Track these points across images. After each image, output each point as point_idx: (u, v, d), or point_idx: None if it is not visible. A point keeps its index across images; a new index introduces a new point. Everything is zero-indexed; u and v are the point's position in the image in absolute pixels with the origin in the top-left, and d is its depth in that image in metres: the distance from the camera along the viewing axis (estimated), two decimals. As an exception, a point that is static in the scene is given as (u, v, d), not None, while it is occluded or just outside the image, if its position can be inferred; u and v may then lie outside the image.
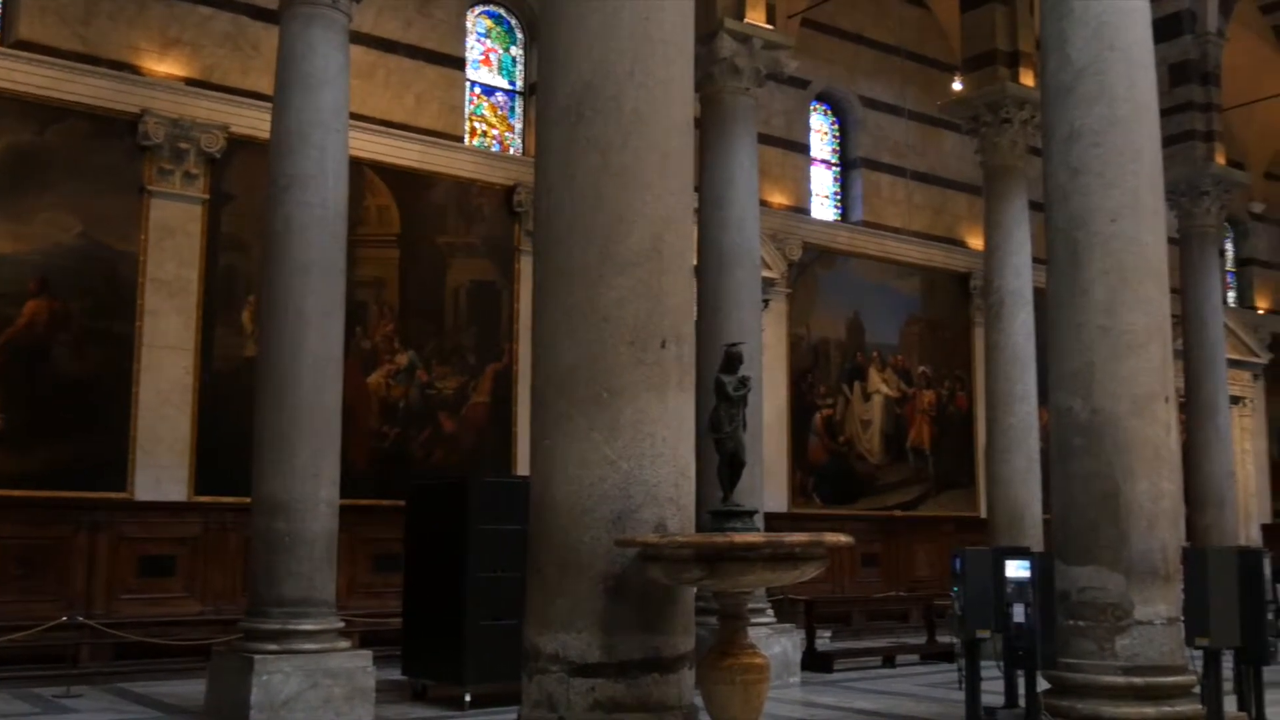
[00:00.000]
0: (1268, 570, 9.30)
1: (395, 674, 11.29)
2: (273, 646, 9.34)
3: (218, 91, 13.89)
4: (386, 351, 14.60)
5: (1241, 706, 9.26)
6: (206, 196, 13.70)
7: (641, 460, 5.86)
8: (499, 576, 10.26)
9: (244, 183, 13.67)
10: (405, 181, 14.93)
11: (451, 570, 10.65)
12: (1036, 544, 13.70)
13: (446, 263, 15.19)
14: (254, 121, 13.18)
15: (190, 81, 13.78)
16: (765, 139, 16.77)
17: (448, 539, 10.78)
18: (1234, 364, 22.44)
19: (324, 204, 9.93)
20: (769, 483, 15.45)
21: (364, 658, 9.77)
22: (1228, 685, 8.99)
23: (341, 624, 9.91)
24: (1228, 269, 25.44)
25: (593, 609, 5.80)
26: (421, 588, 11.21)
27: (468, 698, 10.41)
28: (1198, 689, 8.32)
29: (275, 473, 9.63)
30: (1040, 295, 9.67)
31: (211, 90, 13.86)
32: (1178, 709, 8.00)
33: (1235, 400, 22.99)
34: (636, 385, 5.90)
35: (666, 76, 6.24)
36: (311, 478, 9.64)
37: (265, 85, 11.64)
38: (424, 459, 14.66)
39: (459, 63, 15.95)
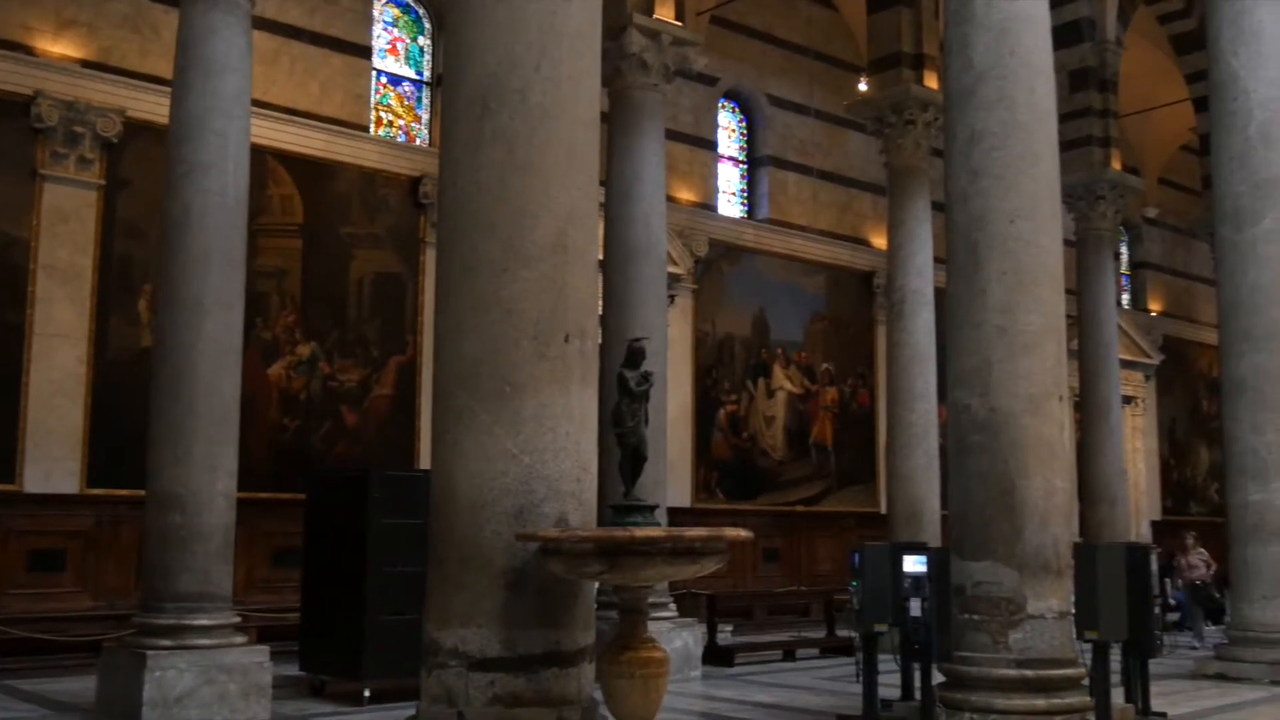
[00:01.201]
0: (1155, 566, 9.55)
1: (294, 670, 11.14)
2: (167, 642, 9.16)
3: (115, 75, 13.57)
4: (288, 342, 14.39)
5: (1128, 698, 9.50)
6: (102, 182, 13.38)
7: (544, 455, 5.86)
8: (400, 571, 10.16)
9: (141, 169, 13.37)
10: (309, 170, 14.72)
11: (352, 565, 10.53)
12: (935, 539, 13.93)
13: (350, 254, 15.01)
14: (153, 106, 12.90)
15: (86, 63, 13.45)
16: (673, 135, 16.80)
17: (348, 533, 10.65)
18: (1127, 364, 23.02)
19: (224, 192, 9.75)
20: (673, 478, 15.52)
21: (261, 653, 9.62)
22: (1116, 678, 9.22)
23: (238, 619, 9.75)
24: (1122, 272, 26.07)
25: (493, 603, 5.79)
26: (321, 582, 11.08)
27: (367, 693, 10.31)
28: (1087, 681, 8.52)
29: (171, 465, 9.44)
30: (941, 294, 9.82)
31: (108, 73, 13.54)
32: (1067, 701, 8.19)
33: (1128, 400, 23.60)
34: (539, 380, 5.89)
35: (574, 71, 6.24)
36: (208, 470, 9.46)
37: (165, 69, 11.39)
38: (325, 452, 14.49)
39: (365, 51, 15.77)
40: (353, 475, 11.44)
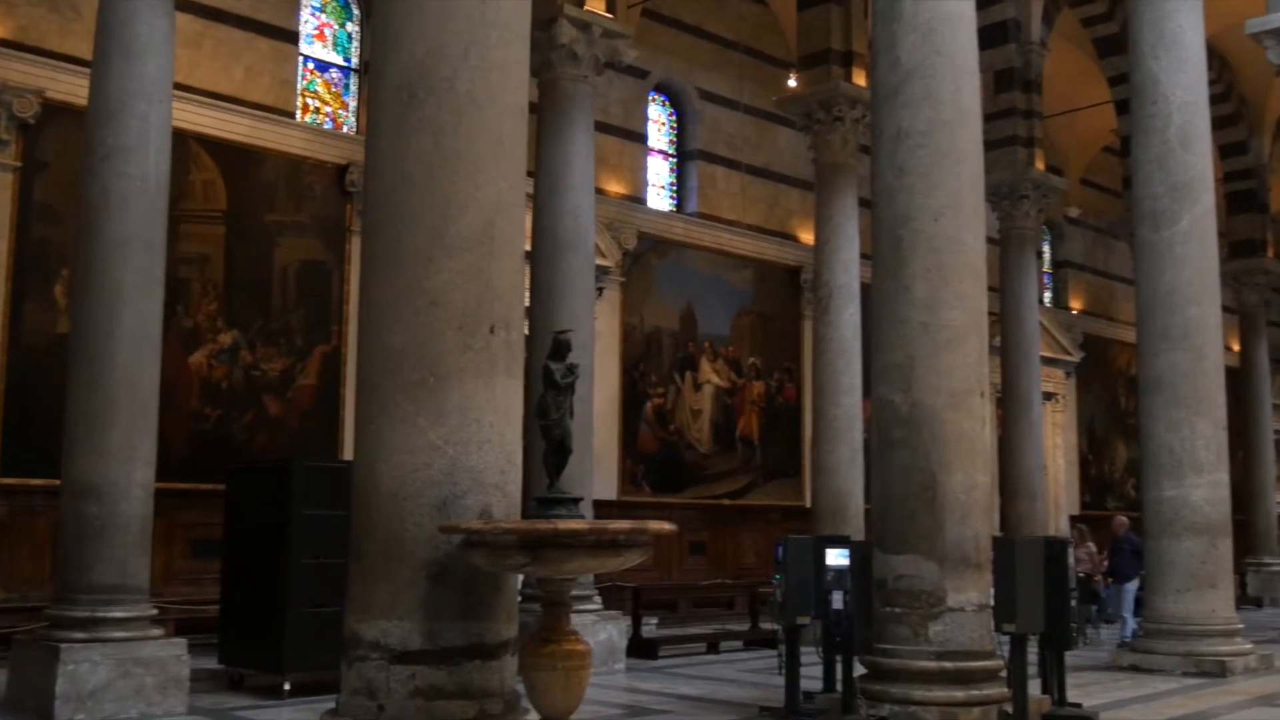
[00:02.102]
0: (1071, 559, 9.71)
1: (212, 663, 10.99)
2: (80, 635, 8.98)
3: (33, 54, 13.27)
4: (209, 330, 14.17)
5: (1045, 690, 9.65)
6: (18, 164, 13.08)
7: (468, 446, 5.82)
8: (322, 563, 10.06)
9: (59, 151, 13.09)
10: (233, 156, 14.50)
11: (272, 556, 10.42)
12: (858, 533, 14.05)
13: (275, 241, 14.82)
14: (72, 87, 12.62)
15: (3, 42, 13.14)
16: (603, 127, 16.78)
17: (269, 524, 10.53)
18: (1048, 361, 23.38)
19: (144, 176, 9.57)
20: (599, 470, 15.51)
21: (178, 646, 9.47)
22: (1033, 669, 9.36)
23: (155, 611, 9.59)
24: (1044, 270, 26.46)
25: (415, 595, 5.75)
26: (241, 574, 10.94)
27: (286, 686, 10.20)
28: (1004, 673, 8.64)
29: (87, 454, 9.25)
30: (868, 290, 9.90)
31: (26, 52, 13.23)
32: (985, 692, 8.31)
33: (1048, 396, 23.97)
34: (464, 371, 5.86)
35: (502, 60, 6.20)
36: (126, 459, 9.30)
37: (85, 50, 11.15)
38: (247, 442, 14.30)
39: (292, 36, 15.56)
40: (274, 466, 11.31)
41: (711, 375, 19.38)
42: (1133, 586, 16.23)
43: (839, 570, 9.27)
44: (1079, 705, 9.76)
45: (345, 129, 16.16)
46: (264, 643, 10.39)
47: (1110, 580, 16.41)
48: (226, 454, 13.60)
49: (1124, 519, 17.73)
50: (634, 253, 18.37)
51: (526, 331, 9.74)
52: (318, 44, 16.18)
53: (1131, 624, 15.55)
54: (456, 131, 6.01)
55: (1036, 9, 19.99)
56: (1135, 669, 12.32)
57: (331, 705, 6.04)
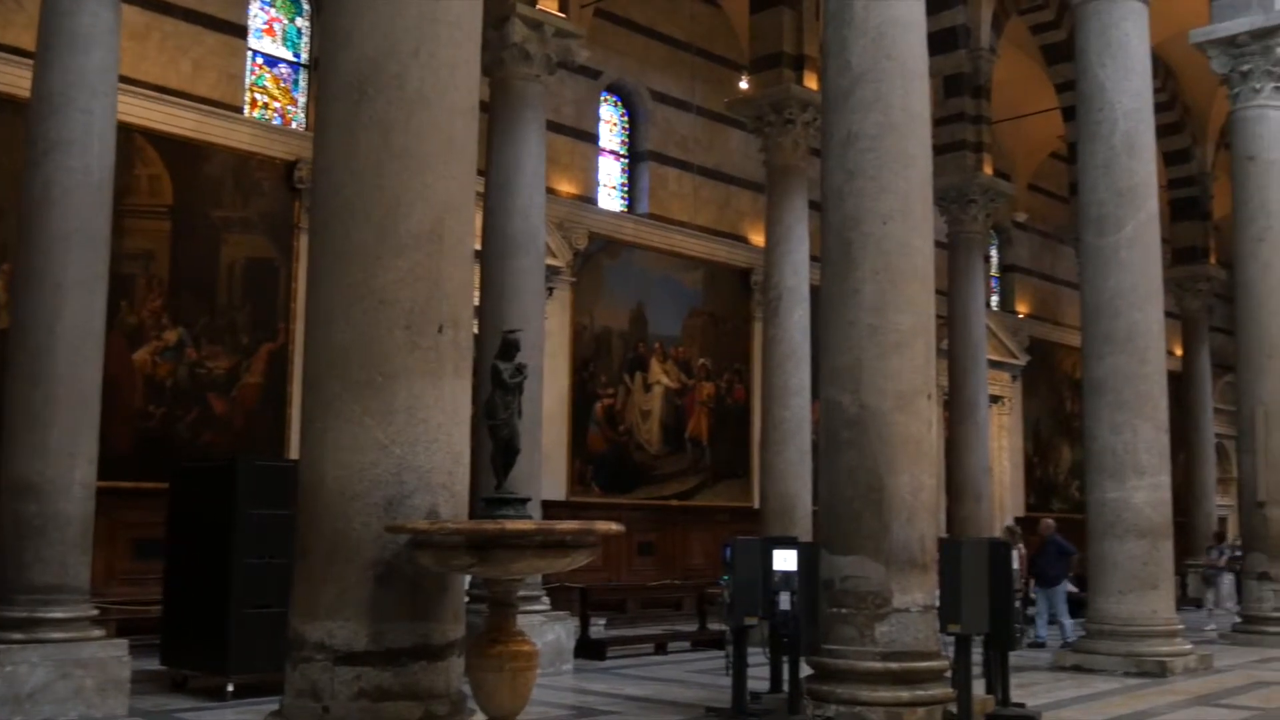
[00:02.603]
0: (1016, 561, 9.80)
1: (154, 664, 10.86)
2: (18, 635, 8.84)
3: (-25, 46, 13.06)
4: (154, 327, 13.99)
5: (989, 690, 9.74)
6: (-41, 157, 12.86)
7: (415, 446, 5.79)
8: (267, 563, 9.97)
9: (1, 143, 12.86)
10: (179, 151, 14.32)
11: (217, 556, 10.30)
12: (806, 534, 14.11)
13: (221, 237, 14.66)
14: (13, 79, 12.42)
15: (-56, 33, 12.93)
16: (554, 127, 16.74)
17: (214, 524, 10.41)
18: (994, 365, 23.60)
19: (88, 170, 9.43)
20: (548, 471, 15.47)
21: (119, 647, 9.34)
22: (977, 670, 9.44)
23: (95, 612, 9.45)
24: (992, 274, 26.70)
25: (361, 596, 5.71)
26: (184, 574, 10.81)
27: (230, 688, 10.09)
28: (949, 673, 8.71)
29: (26, 452, 9.10)
30: (817, 292, 9.94)
31: (-32, 44, 13.02)
32: (930, 692, 8.37)
33: (995, 399, 24.19)
34: (412, 370, 5.82)
35: (453, 59, 6.18)
36: (66, 457, 9.16)
37: (28, 41, 10.97)
38: (191, 440, 14.13)
39: (240, 31, 15.40)
40: (219, 464, 11.19)
41: (661, 376, 19.39)
42: (1062, 589, 16.37)
43: (786, 571, 9.30)
44: (1022, 705, 9.86)
45: (294, 125, 16.02)
46: (207, 644, 10.28)
47: (1032, 581, 16.52)
48: (170, 452, 13.44)
49: (1050, 521, 17.89)
50: (585, 253, 18.35)
51: (476, 331, 9.71)
52: (267, 39, 16.02)
53: (1070, 627, 15.69)
54: (406, 129, 5.98)
55: (986, 15, 20.17)
56: (1078, 669, 12.46)
57: (275, 707, 5.98)
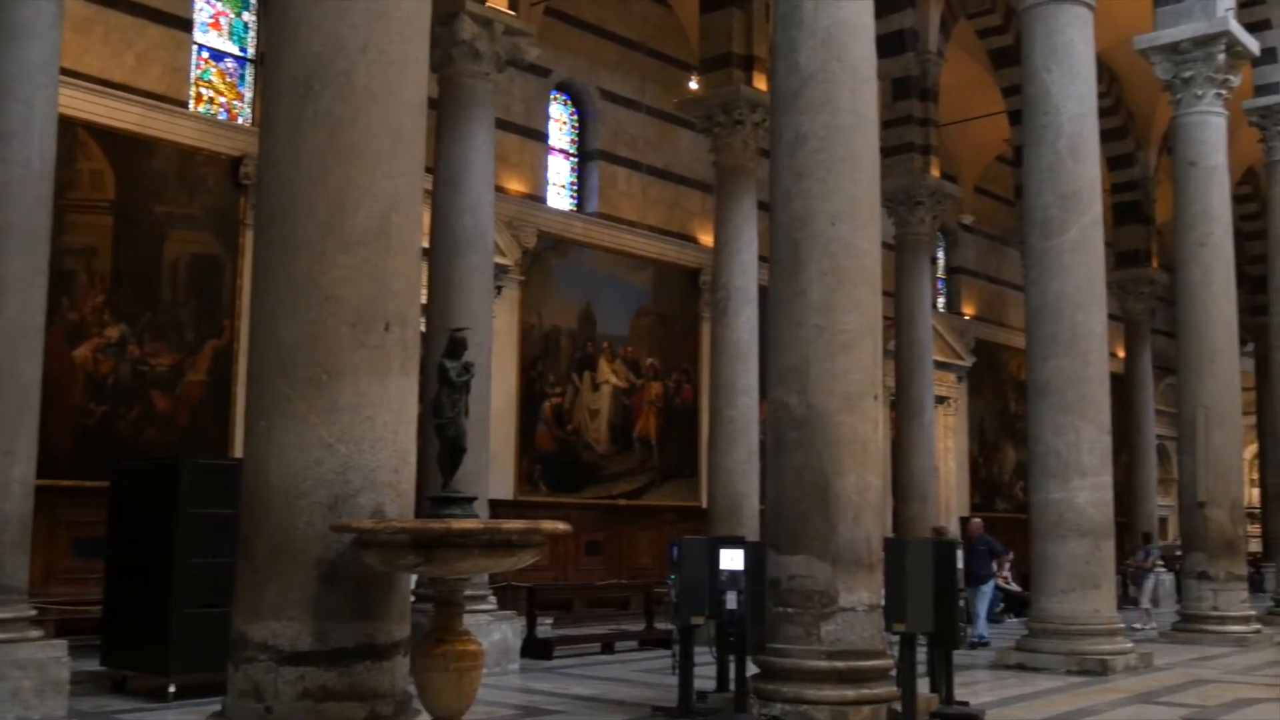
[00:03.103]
0: (960, 560, 9.89)
1: (95, 665, 10.71)
2: (-45, 636, 8.70)
3: (-87, 36, 12.80)
4: (96, 324, 13.79)
5: (934, 688, 9.81)
6: (-104, 149, 12.60)
7: (361, 444, 5.75)
8: (210, 562, 9.86)
9: (-60, 136, 12.63)
10: (122, 145, 14.13)
11: (159, 555, 10.17)
12: (753, 533, 14.16)
13: (165, 233, 14.47)
14: (-47, 71, 12.20)
15: (-119, 23, 12.66)
16: (504, 125, 16.70)
17: (156, 522, 10.29)
18: (941, 366, 23.79)
19: (28, 163, 9.28)
20: (496, 470, 15.43)
21: (58, 648, 9.20)
22: (922, 668, 9.50)
23: (34, 612, 9.30)
24: (938, 276, 26.92)
25: (305, 596, 5.66)
26: (126, 574, 10.67)
27: (172, 688, 9.97)
28: (894, 672, 8.77)
29: (-36, 449, 8.96)
30: (765, 292, 9.97)
31: (-95, 34, 12.76)
32: (875, 691, 8.43)
33: (941, 400, 24.40)
34: (358, 368, 5.78)
35: (401, 55, 6.14)
36: (4, 455, 9.00)
37: (-33, 33, 10.79)
38: (134, 439, 13.95)
39: (186, 24, 15.22)
40: (161, 463, 11.06)
41: (610, 375, 19.39)
42: (988, 589, 16.53)
43: (733, 571, 9.33)
44: (966, 704, 9.94)
45: (240, 120, 15.85)
46: (149, 644, 10.15)
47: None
48: (112, 450, 13.25)
49: (978, 520, 18.06)
50: (533, 251, 18.30)
51: (423, 329, 9.66)
52: (213, 33, 15.84)
53: (983, 625, 15.83)
54: (354, 125, 5.93)
55: (934, 19, 20.34)
56: (1021, 667, 12.58)
57: (218, 708, 5.92)
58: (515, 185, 18.33)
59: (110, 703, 9.92)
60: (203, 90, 15.62)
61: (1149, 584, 20.14)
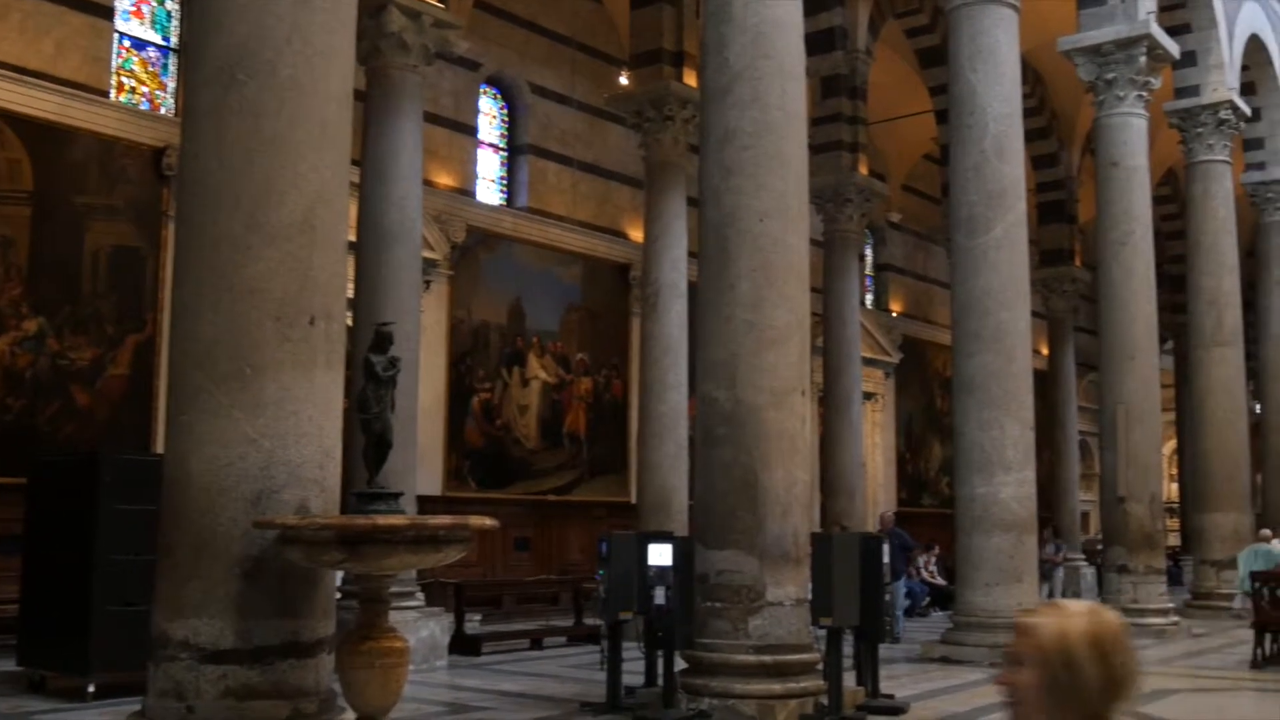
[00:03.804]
0: (886, 555, 9.99)
1: (11, 665, 10.50)
2: None
3: None
4: (12, 317, 13.48)
5: (860, 682, 9.90)
6: None
7: (285, 439, 5.68)
8: (131, 559, 9.68)
9: None
10: (40, 134, 13.83)
11: (78, 552, 9.99)
12: (682, 529, 14.19)
13: (85, 225, 14.19)
14: None
15: None
16: (432, 118, 16.58)
17: (75, 519, 10.09)
18: (868, 362, 24.00)
19: (-57, 153, 9.09)
20: (424, 465, 15.33)
21: (-27, 647, 9.03)
22: (848, 662, 9.58)
23: (-52, 611, 9.12)
24: (866, 273, 27.15)
25: (227, 593, 5.59)
26: (44, 571, 10.46)
27: (91, 688, 9.79)
28: (821, 666, 8.84)
29: (-126, 445, 8.75)
30: (695, 289, 10.00)
31: None
32: (802, 684, 8.49)
33: (868, 396, 24.60)
34: (282, 362, 5.71)
35: (327, 46, 6.08)
36: (-82, 451, 8.82)
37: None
38: (52, 434, 13.67)
39: (107, 12, 14.93)
40: (81, 458, 10.85)
41: (539, 371, 19.33)
42: (900, 584, 16.67)
43: (661, 566, 9.34)
44: (891, 696, 10.04)
45: (163, 110, 15.59)
46: (68, 643, 9.96)
47: None
48: (30, 446, 12.97)
49: (889, 514, 18.21)
50: (462, 246, 18.19)
51: (350, 323, 9.57)
52: (135, 21, 15.55)
53: (901, 623, 15.96)
54: (278, 116, 5.86)
55: (863, 18, 20.49)
56: (945, 660, 12.73)
57: (138, 707, 5.83)
58: (444, 179, 18.21)
59: (28, 703, 9.72)
60: (124, 79, 15.34)
61: (1057, 578, 20.51)
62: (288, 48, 5.91)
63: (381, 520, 5.47)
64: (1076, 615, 2.21)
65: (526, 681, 11.49)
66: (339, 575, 6.77)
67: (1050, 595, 20.13)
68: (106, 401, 14.19)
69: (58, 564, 10.28)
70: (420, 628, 11.92)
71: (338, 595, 6.43)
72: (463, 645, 13.35)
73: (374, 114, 12.94)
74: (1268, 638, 13.27)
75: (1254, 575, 14.03)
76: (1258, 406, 23.81)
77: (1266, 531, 17.82)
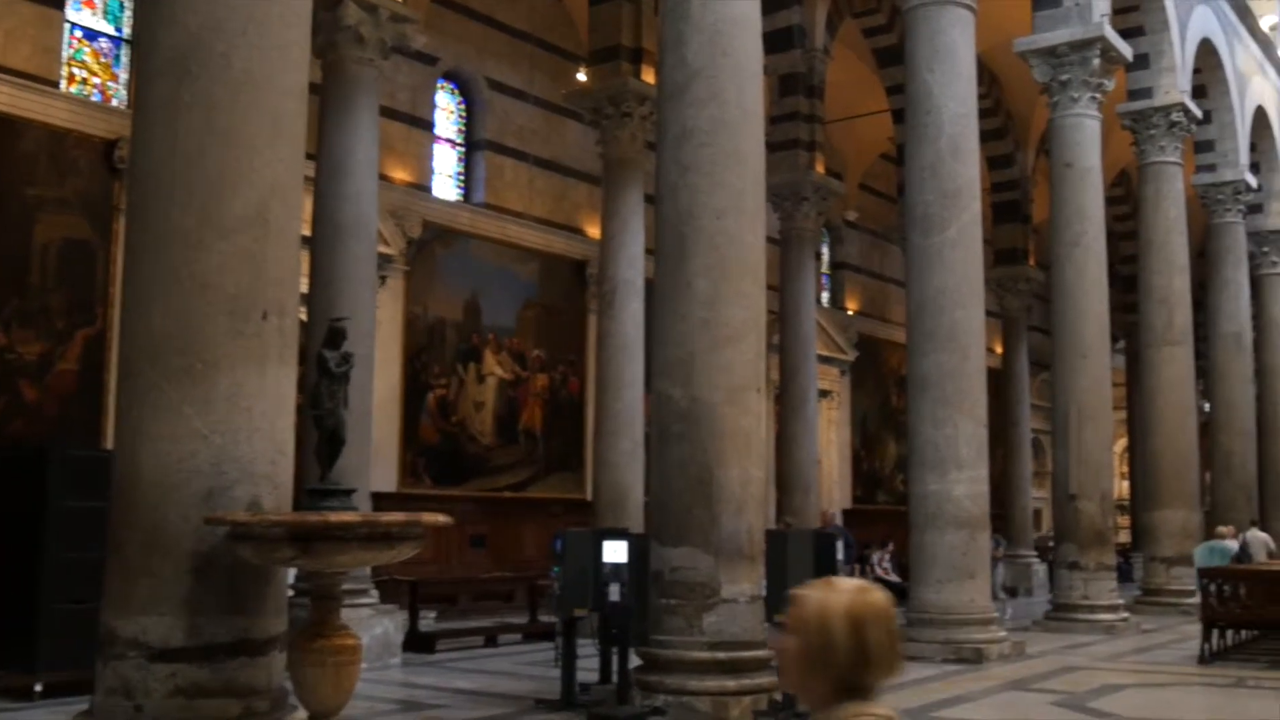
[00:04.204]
0: (840, 552, 10.03)
1: (-44, 662, 10.34)
2: None
3: None
4: (-40, 310, 13.32)
5: (813, 678, 9.91)
6: None
7: (237, 435, 5.63)
8: (80, 557, 9.57)
9: None
10: (-10, 126, 13.64)
11: (26, 549, 9.86)
12: (638, 526, 14.19)
13: (35, 217, 13.98)
14: None
15: None
16: (389, 113, 16.48)
17: (23, 515, 9.96)
18: (824, 360, 24.09)
19: (-112, 143, 8.95)
20: (379, 462, 15.24)
21: (-82, 645, 8.89)
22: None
23: (-108, 608, 8.97)
24: (823, 271, 27.25)
25: (178, 590, 5.53)
26: (-10, 568, 10.32)
27: (39, 687, 9.66)
28: (775, 662, 8.86)
29: None
30: (652, 286, 9.99)
31: None
32: (757, 681, 8.51)
33: (824, 394, 24.70)
34: (234, 357, 5.66)
35: (282, 40, 6.03)
36: None
37: None
38: (0, 430, 13.49)
39: (58, 1, 14.73)
40: (28, 454, 10.71)
41: (495, 367, 19.27)
42: None
43: (616, 563, 9.34)
44: (845, 693, 10.06)
45: (115, 102, 15.39)
46: (14, 641, 9.83)
47: None
48: (-23, 441, 12.81)
49: (831, 511, 18.28)
50: (418, 241, 18.09)
51: (304, 318, 9.49)
52: (86, 11, 15.36)
53: None
54: (232, 109, 5.81)
55: (821, 17, 20.56)
56: (899, 657, 12.77)
57: (85, 706, 5.76)
58: (400, 174, 18.11)
59: (-27, 702, 9.59)
60: (75, 70, 15.14)
61: (997, 573, 20.72)
62: (242, 40, 5.85)
63: (334, 517, 5.43)
64: (841, 592, 2.38)
65: (481, 679, 11.46)
66: (291, 572, 6.71)
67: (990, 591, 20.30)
68: (56, 397, 14.01)
69: (5, 561, 10.14)
70: (374, 625, 11.85)
71: (290, 592, 6.38)
72: (417, 643, 13.29)
73: (330, 108, 12.84)
74: (1215, 633, 13.45)
75: (1202, 572, 14.21)
76: (1207, 405, 24.14)
77: (1223, 529, 18.06)
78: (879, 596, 2.39)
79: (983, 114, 15.33)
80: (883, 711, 2.33)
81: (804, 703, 2.40)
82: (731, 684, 8.38)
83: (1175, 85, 19.27)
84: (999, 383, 24.45)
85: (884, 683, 2.36)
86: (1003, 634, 13.20)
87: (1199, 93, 20.93)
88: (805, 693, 2.39)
